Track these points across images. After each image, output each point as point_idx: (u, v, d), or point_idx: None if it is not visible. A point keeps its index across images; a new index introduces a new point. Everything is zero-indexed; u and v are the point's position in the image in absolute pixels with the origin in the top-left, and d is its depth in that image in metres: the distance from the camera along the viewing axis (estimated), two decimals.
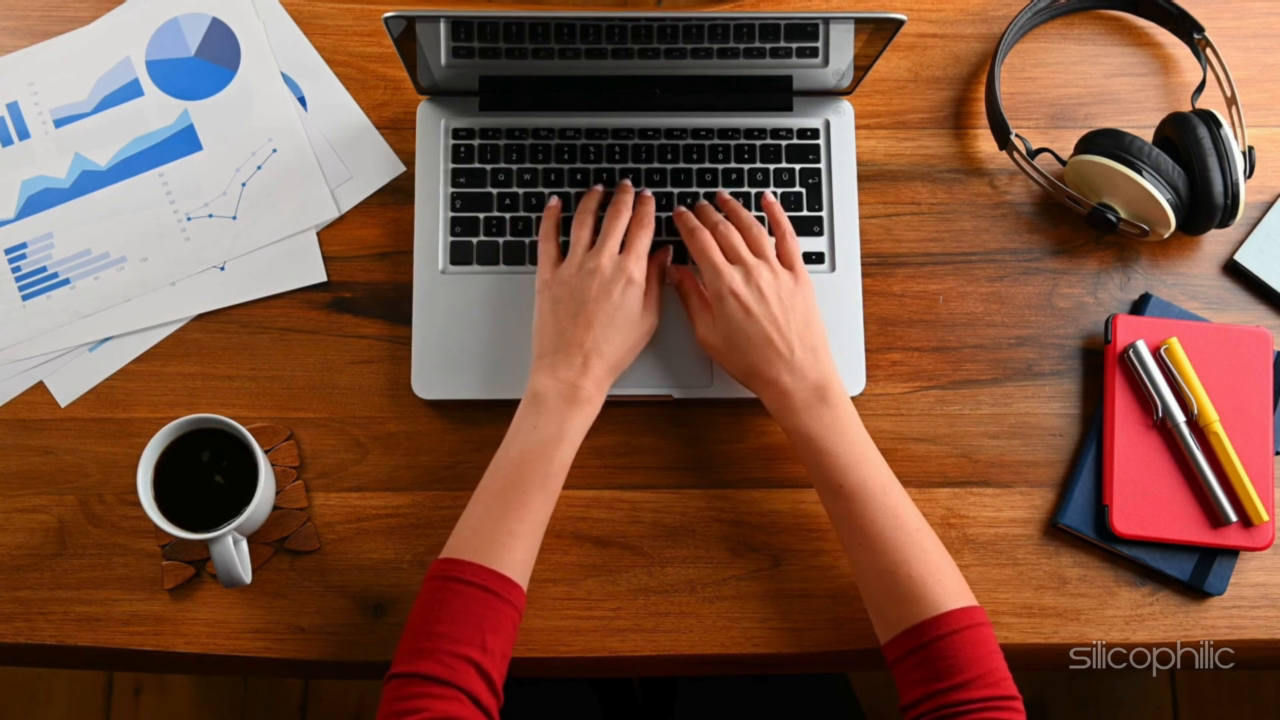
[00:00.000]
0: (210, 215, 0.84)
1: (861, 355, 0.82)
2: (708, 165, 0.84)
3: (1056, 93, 0.89)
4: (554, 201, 0.82)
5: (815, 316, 0.77)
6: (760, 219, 0.83)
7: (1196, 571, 0.78)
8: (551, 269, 0.79)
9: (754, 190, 0.84)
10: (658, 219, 0.82)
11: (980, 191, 0.87)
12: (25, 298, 0.83)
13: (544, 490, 0.72)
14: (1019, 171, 0.86)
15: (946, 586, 0.70)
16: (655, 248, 0.81)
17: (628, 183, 0.82)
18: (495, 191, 0.84)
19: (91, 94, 0.86)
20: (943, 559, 0.71)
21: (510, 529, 0.70)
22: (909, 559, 0.70)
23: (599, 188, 0.82)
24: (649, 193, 0.82)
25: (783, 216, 0.81)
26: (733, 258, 0.77)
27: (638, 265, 0.77)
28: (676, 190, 0.84)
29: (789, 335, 0.74)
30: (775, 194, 0.84)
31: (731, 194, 0.83)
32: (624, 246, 0.78)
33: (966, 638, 0.68)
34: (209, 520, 0.73)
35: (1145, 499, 0.79)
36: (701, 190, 0.84)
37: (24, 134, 0.86)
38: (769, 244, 0.79)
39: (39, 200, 0.84)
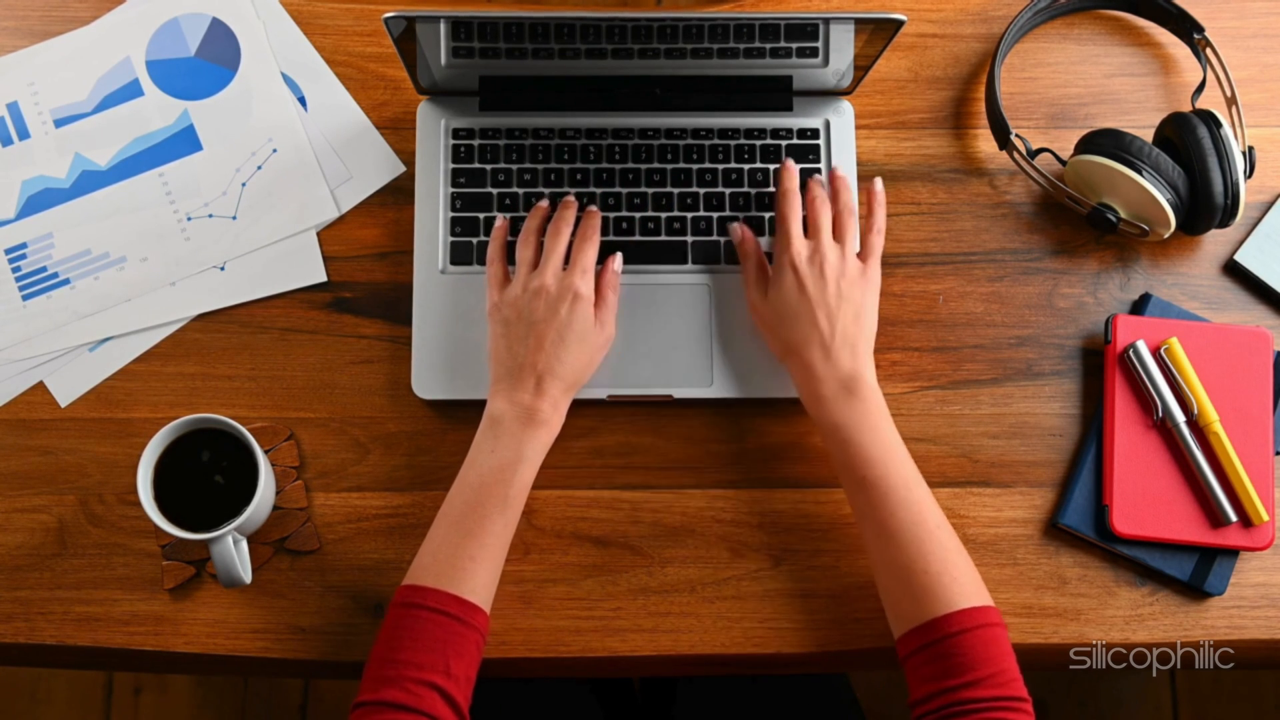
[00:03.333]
0: (210, 215, 0.84)
1: None
2: (708, 165, 0.84)
3: (1056, 93, 0.89)
4: (500, 222, 0.82)
5: (867, 314, 0.77)
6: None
7: (1196, 571, 0.78)
8: (499, 291, 0.78)
9: (754, 190, 0.84)
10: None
11: (980, 191, 0.87)
12: (25, 298, 0.83)
13: (504, 513, 0.72)
14: (1019, 171, 0.86)
15: (963, 585, 0.70)
16: (613, 251, 0.81)
17: (571, 198, 0.82)
18: (495, 191, 0.84)
19: (91, 94, 0.86)
20: (960, 558, 0.71)
21: (471, 553, 0.71)
22: (927, 555, 0.70)
23: (544, 204, 0.82)
24: (595, 207, 0.82)
25: (880, 210, 0.81)
26: (810, 231, 0.78)
27: (584, 280, 0.77)
28: (676, 190, 0.84)
29: (835, 323, 0.75)
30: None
31: (732, 193, 0.83)
32: (570, 262, 0.78)
33: (979, 636, 0.68)
34: (209, 520, 0.73)
35: (1145, 499, 0.79)
36: (702, 190, 0.84)
37: (24, 134, 0.86)
38: (854, 232, 0.79)
39: (39, 200, 0.84)
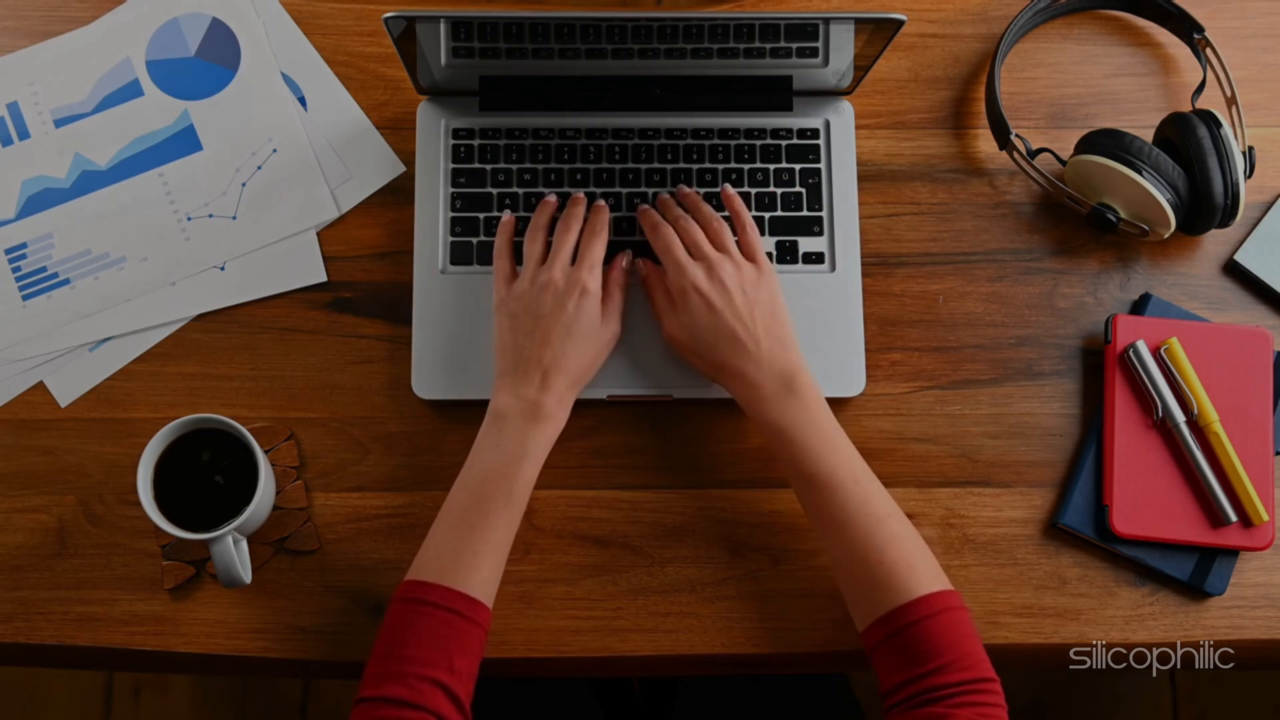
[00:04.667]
0: (210, 215, 0.84)
1: (861, 355, 0.82)
2: (708, 165, 0.84)
3: (1056, 93, 0.89)
4: (506, 216, 0.82)
5: (780, 307, 0.77)
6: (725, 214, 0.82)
7: (1196, 571, 0.78)
8: (506, 286, 0.78)
9: (754, 190, 0.84)
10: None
11: (980, 191, 0.87)
12: (25, 298, 0.83)
13: (508, 509, 0.72)
14: (1019, 171, 0.86)
15: (921, 572, 0.70)
16: (622, 249, 0.82)
17: (581, 194, 0.82)
18: (495, 191, 0.84)
19: (91, 94, 0.86)
20: (915, 544, 0.72)
21: (474, 549, 0.70)
22: (881, 546, 0.70)
23: (552, 198, 0.82)
24: (603, 202, 0.82)
25: (743, 209, 0.81)
26: (695, 253, 0.78)
27: (591, 275, 0.77)
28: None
29: (754, 328, 0.75)
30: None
31: (733, 191, 0.83)
32: (578, 257, 0.78)
33: (941, 621, 0.68)
34: (209, 520, 0.73)
35: (1145, 499, 0.79)
36: (702, 190, 0.84)
37: (24, 134, 0.86)
38: (730, 237, 0.79)
39: (39, 200, 0.84)
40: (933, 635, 0.67)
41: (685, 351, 0.78)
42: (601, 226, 0.80)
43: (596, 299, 0.76)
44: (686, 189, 0.83)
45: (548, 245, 0.79)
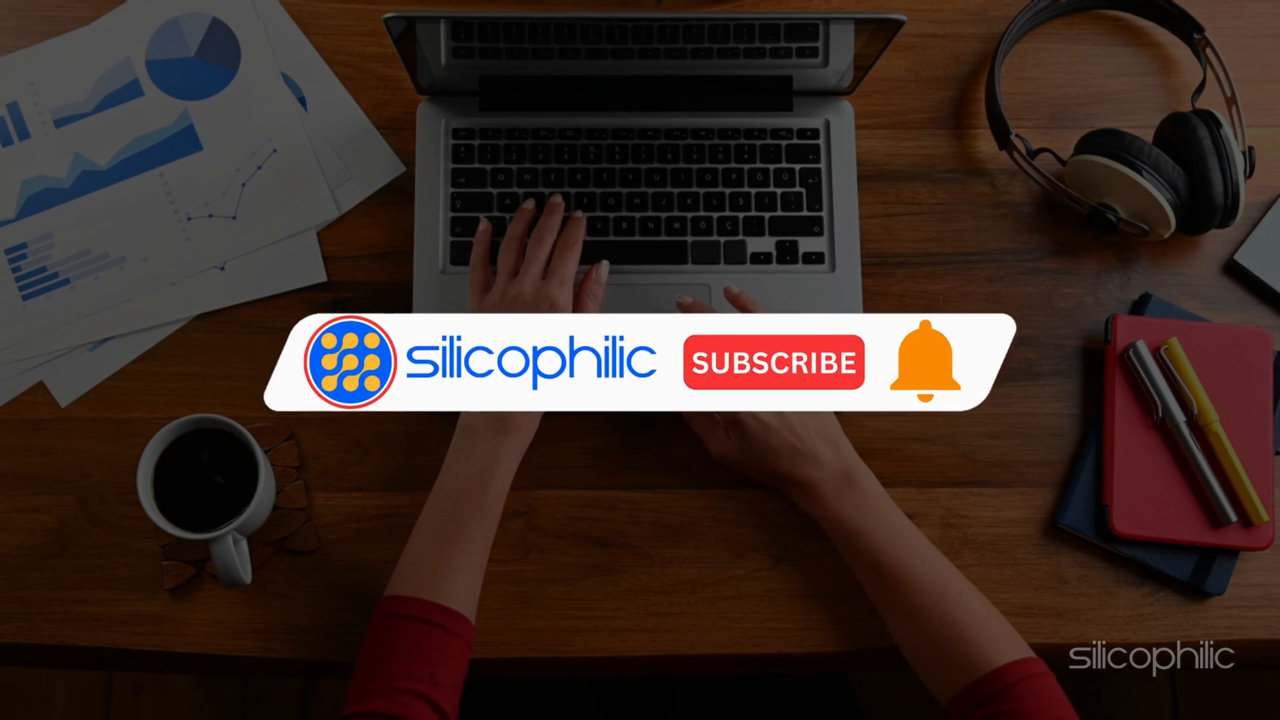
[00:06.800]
0: (210, 215, 0.84)
1: None
2: (708, 165, 0.84)
3: (1056, 93, 0.89)
4: (483, 225, 0.81)
5: (823, 409, 0.76)
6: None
7: (1196, 571, 0.78)
8: (480, 297, 0.78)
9: (754, 190, 0.84)
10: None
11: (980, 191, 0.87)
12: (25, 298, 0.83)
13: (481, 520, 0.72)
14: (1019, 171, 0.86)
15: (999, 642, 0.70)
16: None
17: (559, 200, 0.81)
18: (495, 191, 0.84)
19: (91, 94, 0.86)
20: (991, 615, 0.72)
21: (451, 561, 0.71)
22: (957, 622, 0.70)
23: (528, 205, 0.81)
24: (580, 214, 0.81)
25: (752, 304, 0.78)
26: None
27: (561, 291, 0.76)
28: (676, 190, 0.84)
29: (809, 437, 0.75)
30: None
31: (732, 193, 0.83)
32: (549, 272, 0.78)
33: (1028, 687, 0.68)
34: (209, 520, 0.73)
35: (1145, 499, 0.79)
36: (702, 190, 0.84)
37: (24, 134, 0.86)
38: None
39: (39, 200, 0.84)
40: (1023, 700, 0.67)
41: (739, 468, 0.78)
42: (575, 240, 0.79)
43: (566, 314, 0.76)
44: (688, 300, 0.80)
45: (524, 254, 0.79)
